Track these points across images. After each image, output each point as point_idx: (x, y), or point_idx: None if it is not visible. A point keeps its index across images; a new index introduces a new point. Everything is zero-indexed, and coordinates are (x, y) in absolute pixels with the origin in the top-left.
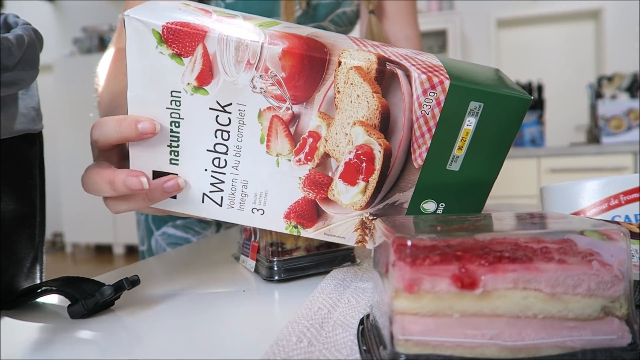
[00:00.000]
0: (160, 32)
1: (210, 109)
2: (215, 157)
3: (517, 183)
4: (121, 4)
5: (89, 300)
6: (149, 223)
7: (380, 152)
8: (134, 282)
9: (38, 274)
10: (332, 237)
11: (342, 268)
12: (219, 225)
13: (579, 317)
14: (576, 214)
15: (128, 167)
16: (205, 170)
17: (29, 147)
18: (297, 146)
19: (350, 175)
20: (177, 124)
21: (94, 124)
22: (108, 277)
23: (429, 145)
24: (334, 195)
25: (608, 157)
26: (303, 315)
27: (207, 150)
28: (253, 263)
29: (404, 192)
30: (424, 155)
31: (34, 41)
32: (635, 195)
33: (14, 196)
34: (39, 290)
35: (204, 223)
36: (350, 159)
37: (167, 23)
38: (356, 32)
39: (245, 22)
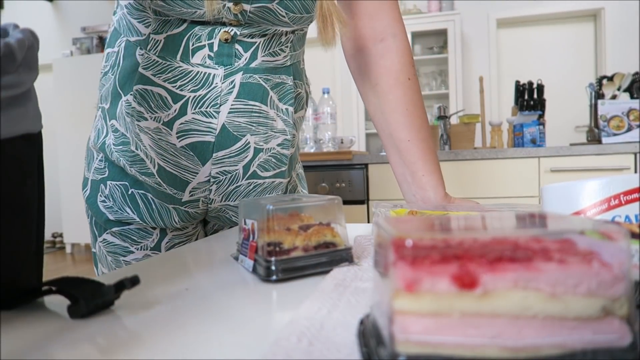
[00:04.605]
0: None
1: None
2: None
3: (517, 183)
4: None
5: (90, 299)
6: (93, 228)
7: None
8: (134, 281)
9: (36, 275)
10: None
11: (342, 268)
12: (201, 224)
13: (579, 317)
14: (576, 214)
15: None
16: None
17: (28, 147)
18: None
19: None
20: None
21: None
22: (108, 277)
23: None
24: None
25: (608, 157)
26: (303, 315)
27: None
28: (251, 263)
29: None
30: None
31: (33, 43)
32: (636, 195)
33: (12, 196)
34: (39, 291)
35: (142, 232)
36: None
37: None
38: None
39: None
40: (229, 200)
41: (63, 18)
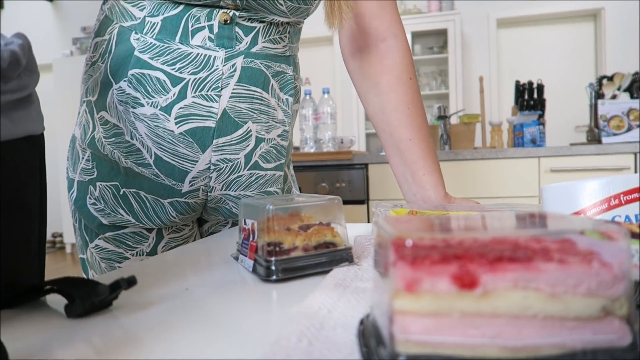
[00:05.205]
0: None
1: None
2: None
3: (517, 183)
4: None
5: (86, 299)
6: (83, 233)
7: None
8: (130, 281)
9: (38, 274)
10: None
11: (342, 268)
12: (193, 227)
13: (579, 317)
14: (576, 214)
15: None
16: None
17: (30, 148)
18: None
19: None
20: None
21: None
22: (107, 277)
23: None
24: None
25: (608, 157)
26: (303, 315)
27: None
28: (251, 263)
29: None
30: None
31: (30, 47)
32: (635, 195)
33: (15, 196)
34: (41, 290)
35: (138, 236)
36: None
37: None
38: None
39: None
40: (229, 190)
41: (63, 18)
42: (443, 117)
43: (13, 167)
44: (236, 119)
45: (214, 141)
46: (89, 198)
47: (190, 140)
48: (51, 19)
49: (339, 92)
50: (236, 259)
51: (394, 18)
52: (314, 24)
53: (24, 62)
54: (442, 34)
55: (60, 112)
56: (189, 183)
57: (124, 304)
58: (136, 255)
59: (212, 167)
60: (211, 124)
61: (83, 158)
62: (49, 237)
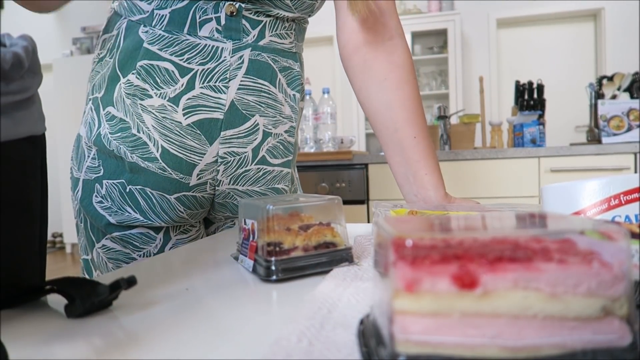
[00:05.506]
0: None
1: None
2: None
3: (517, 183)
4: None
5: (86, 299)
6: (88, 233)
7: None
8: (130, 281)
9: (39, 274)
10: None
11: (342, 268)
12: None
13: (579, 317)
14: (576, 214)
15: None
16: None
17: (32, 148)
18: None
19: None
20: None
21: None
22: (107, 277)
23: None
24: None
25: (608, 157)
26: (303, 315)
27: None
28: (251, 263)
29: None
30: None
31: (35, 49)
32: (636, 195)
33: (16, 197)
34: (42, 290)
35: (145, 237)
36: None
37: None
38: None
39: None
40: (237, 184)
41: (63, 18)
42: (443, 117)
43: (15, 167)
44: (244, 112)
45: (222, 133)
46: (95, 196)
47: (198, 132)
48: (51, 19)
49: (339, 92)
50: (236, 259)
51: (398, 20)
52: (316, 24)
53: (27, 64)
54: (442, 34)
55: (60, 112)
56: (197, 176)
57: (123, 303)
58: (143, 256)
59: (220, 160)
60: (219, 115)
61: (89, 156)
62: (49, 237)
